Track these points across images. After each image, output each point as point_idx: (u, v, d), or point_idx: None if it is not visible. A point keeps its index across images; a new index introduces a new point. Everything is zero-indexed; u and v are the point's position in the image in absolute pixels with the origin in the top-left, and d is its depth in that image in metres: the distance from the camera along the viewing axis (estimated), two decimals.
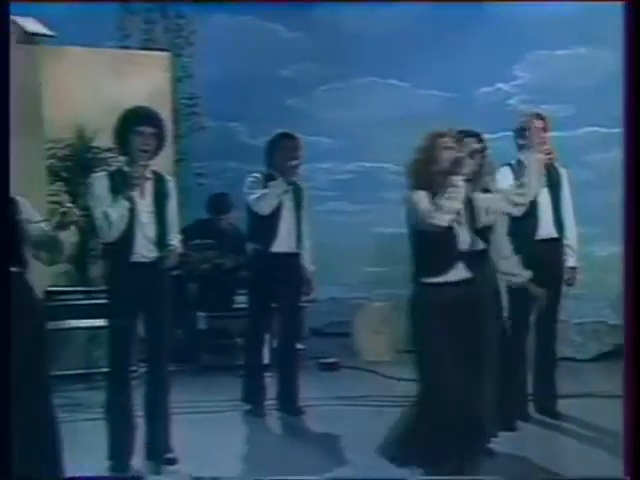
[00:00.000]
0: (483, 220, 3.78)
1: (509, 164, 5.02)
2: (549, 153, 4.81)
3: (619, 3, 3.45)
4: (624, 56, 3.30)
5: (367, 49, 8.42)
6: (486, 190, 4.12)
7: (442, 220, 3.53)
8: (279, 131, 5.57)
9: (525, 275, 4.22)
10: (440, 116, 8.13)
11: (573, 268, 5.24)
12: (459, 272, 3.63)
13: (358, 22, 8.55)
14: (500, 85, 8.35)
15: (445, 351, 3.56)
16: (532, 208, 4.70)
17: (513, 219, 4.30)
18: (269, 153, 5.51)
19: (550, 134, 5.06)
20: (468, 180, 3.72)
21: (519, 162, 4.93)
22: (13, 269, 3.62)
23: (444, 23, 8.17)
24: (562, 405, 5.24)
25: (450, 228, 3.58)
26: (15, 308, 3.56)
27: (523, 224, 4.62)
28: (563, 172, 5.19)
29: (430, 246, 3.61)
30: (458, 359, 3.55)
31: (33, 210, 3.85)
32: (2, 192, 3.42)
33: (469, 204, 3.71)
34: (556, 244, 5.12)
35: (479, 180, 4.11)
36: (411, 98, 8.55)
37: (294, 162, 5.34)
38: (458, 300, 3.58)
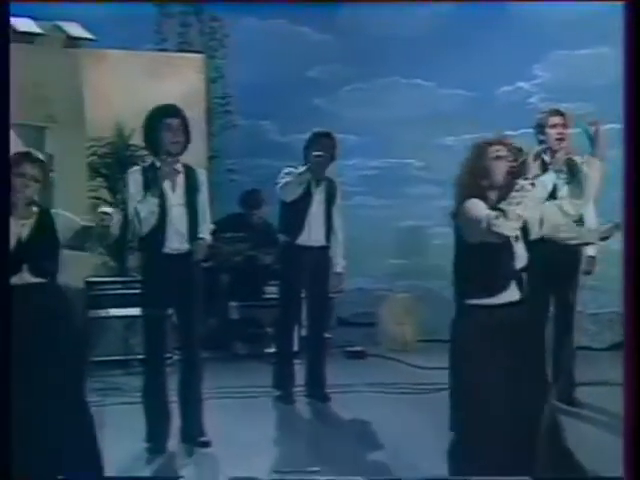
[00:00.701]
0: (536, 233, 3.22)
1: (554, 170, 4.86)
2: (567, 148, 4.74)
3: (620, 3, 3.30)
4: (624, 56, 3.08)
5: (391, 50, 8.36)
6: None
7: (508, 228, 2.95)
8: (316, 129, 5.55)
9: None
10: (462, 114, 8.12)
11: (592, 257, 5.16)
12: (511, 293, 3.13)
13: (382, 24, 8.49)
14: (521, 84, 8.27)
15: (490, 378, 3.09)
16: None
17: None
18: (304, 150, 5.48)
19: (570, 131, 4.98)
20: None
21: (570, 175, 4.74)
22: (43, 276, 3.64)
23: (467, 24, 8.10)
24: (579, 392, 5.22)
25: (508, 242, 3.05)
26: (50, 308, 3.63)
27: None
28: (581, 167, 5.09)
29: (483, 263, 3.08)
30: (503, 385, 3.09)
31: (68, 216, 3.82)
32: (2, 192, 3.31)
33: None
34: None
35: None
36: (434, 97, 8.49)
37: (317, 154, 5.31)
38: (507, 324, 3.11)
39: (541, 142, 4.94)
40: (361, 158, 8.80)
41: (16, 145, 7.19)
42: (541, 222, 3.21)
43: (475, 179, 3.16)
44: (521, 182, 3.00)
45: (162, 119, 4.31)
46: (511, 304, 3.12)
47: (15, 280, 3.50)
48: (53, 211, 3.74)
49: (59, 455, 3.49)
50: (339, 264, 5.59)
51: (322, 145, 5.39)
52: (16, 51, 6.84)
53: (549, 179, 4.72)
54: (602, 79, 7.04)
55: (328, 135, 5.50)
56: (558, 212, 3.30)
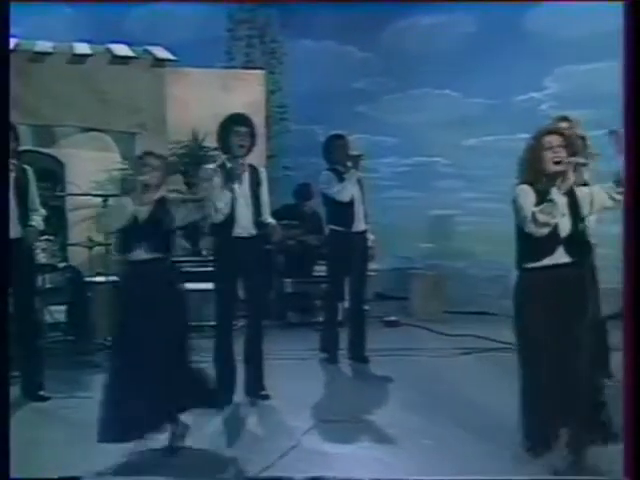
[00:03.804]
0: (586, 212, 3.21)
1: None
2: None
3: (619, 3, 3.11)
4: (624, 56, 2.95)
5: (424, 65, 8.31)
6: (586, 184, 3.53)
7: (537, 233, 3.07)
8: (332, 133, 5.47)
9: None
10: (483, 119, 8.03)
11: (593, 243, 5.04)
12: (559, 256, 3.13)
13: (416, 43, 8.44)
14: (533, 94, 8.13)
15: (546, 330, 3.08)
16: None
17: None
18: (328, 152, 5.39)
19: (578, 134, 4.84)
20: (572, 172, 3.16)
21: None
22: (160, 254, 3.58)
23: (487, 43, 8.01)
24: None
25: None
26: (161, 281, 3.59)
27: None
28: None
29: (532, 237, 3.11)
30: (560, 337, 3.08)
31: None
32: (2, 192, 3.15)
33: (573, 196, 3.17)
34: None
35: (582, 174, 3.61)
36: (460, 105, 8.40)
37: (356, 153, 5.22)
38: (558, 282, 3.11)
39: None
40: (396, 157, 8.76)
41: (112, 149, 7.39)
42: (591, 203, 3.19)
43: (531, 164, 3.16)
44: (554, 192, 3.05)
45: (232, 126, 4.32)
46: (559, 265, 3.13)
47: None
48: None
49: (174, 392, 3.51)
50: (372, 239, 5.51)
51: (342, 146, 5.29)
52: (114, 71, 7.03)
53: None
54: (604, 90, 6.87)
55: (344, 137, 5.38)
56: (606, 196, 3.22)
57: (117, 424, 3.39)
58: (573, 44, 7.48)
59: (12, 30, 7.32)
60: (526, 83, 8.03)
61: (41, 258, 5.11)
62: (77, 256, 6.44)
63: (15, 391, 4.47)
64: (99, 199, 6.71)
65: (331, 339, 5.53)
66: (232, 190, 4.26)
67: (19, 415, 4.18)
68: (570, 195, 3.15)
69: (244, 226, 4.33)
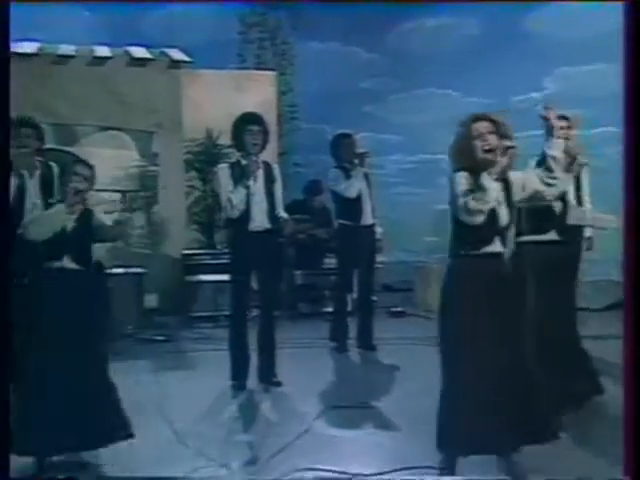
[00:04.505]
0: (519, 196, 3.01)
1: (538, 157, 4.77)
2: (575, 148, 4.60)
3: (619, 4, 3.05)
4: (624, 56, 2.87)
5: (427, 66, 8.31)
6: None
7: (469, 220, 2.84)
8: (338, 132, 5.46)
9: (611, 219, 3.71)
10: None
11: (590, 237, 5.04)
12: (494, 246, 2.91)
13: (420, 45, 8.43)
14: (533, 94, 8.12)
15: (475, 317, 2.84)
16: (562, 195, 4.45)
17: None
18: (335, 150, 5.38)
19: (576, 132, 4.83)
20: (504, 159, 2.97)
21: (543, 154, 4.72)
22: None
23: (488, 45, 8.02)
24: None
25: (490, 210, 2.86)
26: None
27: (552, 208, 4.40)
28: (585, 164, 4.95)
29: (467, 226, 2.88)
30: (489, 325, 2.84)
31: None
32: (2, 192, 2.91)
33: (506, 182, 2.97)
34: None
35: (513, 161, 3.36)
36: (461, 104, 8.39)
37: (362, 151, 5.21)
38: (492, 272, 2.89)
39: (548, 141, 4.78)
40: (402, 154, 8.76)
41: (130, 148, 7.40)
42: (523, 187, 3.01)
43: (462, 150, 2.94)
44: (484, 178, 2.83)
45: (246, 125, 4.31)
46: (494, 254, 2.92)
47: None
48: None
49: None
50: (379, 233, 5.52)
51: (348, 144, 5.29)
52: (132, 73, 7.04)
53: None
54: (601, 91, 6.85)
55: (351, 136, 5.37)
56: (537, 181, 3.05)
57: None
58: (573, 46, 7.47)
59: (35, 34, 7.39)
60: (526, 83, 8.01)
61: None
62: (96, 249, 6.46)
63: None
64: (118, 195, 6.75)
65: (340, 328, 5.53)
66: (247, 187, 4.27)
67: None
68: (503, 181, 2.96)
69: (259, 221, 4.33)
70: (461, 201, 2.84)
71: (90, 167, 3.34)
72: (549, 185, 3.09)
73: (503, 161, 2.96)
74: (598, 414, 3.73)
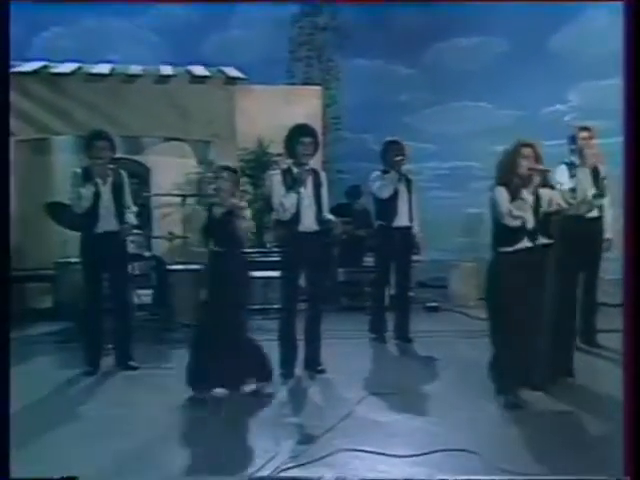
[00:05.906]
0: (546, 208, 3.65)
1: (565, 162, 4.70)
2: (597, 156, 4.54)
3: (620, 3, 2.95)
4: (624, 55, 2.83)
5: (462, 81, 8.24)
6: (548, 186, 3.84)
7: (512, 223, 3.52)
8: (388, 138, 5.44)
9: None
10: (513, 128, 7.91)
11: (609, 239, 4.93)
12: (525, 243, 3.57)
13: (455, 61, 8.38)
14: (558, 106, 8.00)
15: (515, 301, 3.49)
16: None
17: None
18: (382, 154, 5.37)
19: (596, 141, 4.73)
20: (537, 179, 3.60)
21: (572, 162, 4.65)
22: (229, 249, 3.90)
23: (517, 60, 7.92)
24: (599, 337, 5.10)
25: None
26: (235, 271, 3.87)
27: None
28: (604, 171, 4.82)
29: (505, 227, 3.57)
30: (527, 301, 3.51)
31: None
32: (2, 192, 2.80)
33: (537, 196, 3.61)
34: (598, 222, 4.79)
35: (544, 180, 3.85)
36: (493, 115, 8.35)
37: (398, 158, 5.21)
38: (524, 262, 3.52)
39: (572, 151, 4.71)
40: (437, 162, 8.72)
41: (190, 156, 7.52)
42: (549, 203, 3.64)
43: (507, 167, 3.56)
44: (525, 193, 3.51)
45: (299, 137, 4.32)
46: (525, 249, 3.57)
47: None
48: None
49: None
50: (417, 237, 5.49)
51: (393, 150, 5.26)
52: (193, 89, 7.15)
53: (563, 170, 4.61)
54: (620, 103, 6.71)
55: (397, 142, 5.35)
56: (560, 198, 3.81)
57: (195, 378, 3.84)
58: (594, 62, 7.35)
59: (107, 55, 7.56)
60: (552, 96, 7.92)
61: (131, 249, 5.25)
62: (160, 247, 6.61)
63: (108, 361, 4.64)
64: (178, 198, 6.86)
65: (379, 322, 5.54)
66: (298, 192, 4.30)
67: (111, 382, 4.35)
68: (535, 194, 3.59)
69: (308, 223, 4.35)
70: (505, 208, 3.50)
71: (235, 172, 4.01)
72: (570, 204, 3.94)
73: (537, 180, 3.57)
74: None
